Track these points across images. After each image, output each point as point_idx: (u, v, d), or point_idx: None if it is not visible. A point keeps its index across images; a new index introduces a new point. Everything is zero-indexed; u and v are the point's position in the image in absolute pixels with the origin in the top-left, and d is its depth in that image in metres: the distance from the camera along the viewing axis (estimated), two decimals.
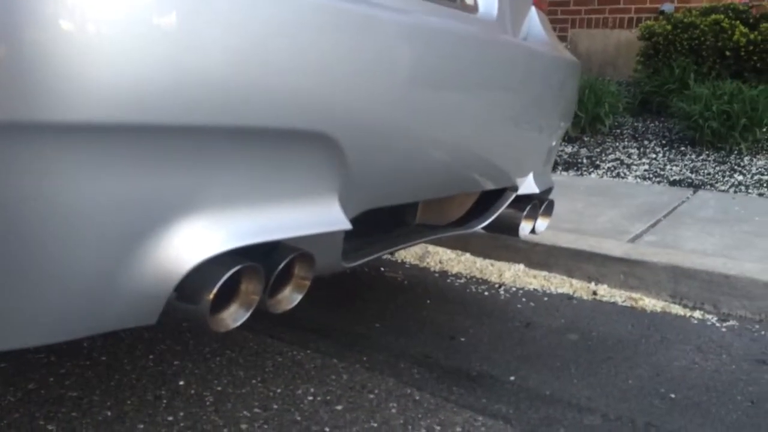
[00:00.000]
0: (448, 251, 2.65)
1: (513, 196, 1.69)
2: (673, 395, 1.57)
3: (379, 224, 1.56)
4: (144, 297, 0.87)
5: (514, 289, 2.31)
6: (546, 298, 2.22)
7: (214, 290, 0.90)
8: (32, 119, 0.74)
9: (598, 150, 4.22)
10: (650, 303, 2.19)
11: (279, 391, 1.48)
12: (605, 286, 2.32)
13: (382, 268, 2.46)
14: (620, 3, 6.00)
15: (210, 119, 0.86)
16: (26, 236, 0.78)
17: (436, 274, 2.45)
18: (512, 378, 1.62)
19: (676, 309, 2.16)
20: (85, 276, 0.83)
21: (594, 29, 6.13)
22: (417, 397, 1.49)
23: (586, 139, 4.42)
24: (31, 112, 0.74)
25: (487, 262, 2.55)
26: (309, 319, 1.87)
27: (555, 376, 1.65)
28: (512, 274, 2.42)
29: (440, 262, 2.56)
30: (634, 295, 2.25)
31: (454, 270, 2.49)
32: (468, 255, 2.62)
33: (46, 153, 0.77)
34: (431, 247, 2.65)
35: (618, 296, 2.25)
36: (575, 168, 3.90)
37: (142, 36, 0.77)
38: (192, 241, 0.89)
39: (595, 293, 2.26)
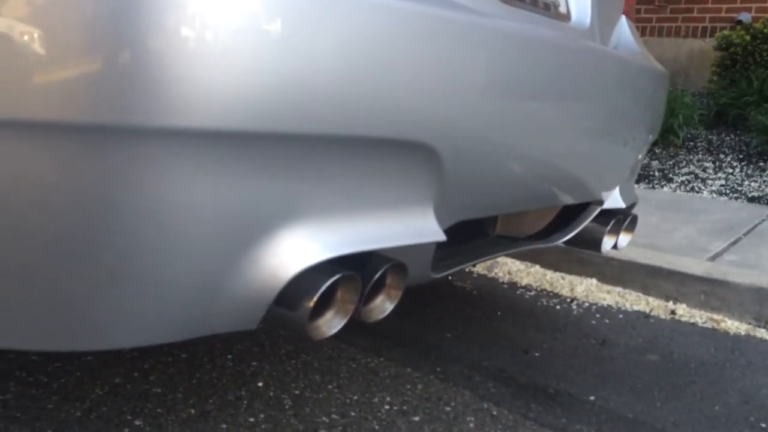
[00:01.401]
0: (517, 262, 2.61)
1: (598, 210, 1.64)
2: (763, 425, 1.50)
3: (460, 235, 1.54)
4: (248, 303, 0.88)
5: (586, 304, 2.25)
6: (621, 315, 2.16)
7: (315, 298, 0.90)
8: (148, 124, 0.75)
9: (670, 163, 4.09)
10: (733, 325, 2.10)
11: (355, 398, 1.48)
12: (684, 305, 2.23)
13: (451, 277, 2.44)
14: (694, 12, 5.83)
15: (316, 128, 0.86)
16: (139, 240, 0.80)
17: (505, 285, 2.41)
18: (592, 398, 1.57)
19: (762, 333, 2.07)
20: (194, 280, 0.84)
21: (665, 38, 5.96)
22: (494, 413, 1.47)
23: (657, 151, 4.29)
24: (148, 117, 0.75)
25: (558, 275, 2.50)
26: (380, 326, 1.86)
27: (637, 398, 1.59)
28: (584, 289, 2.36)
29: (509, 272, 2.52)
30: (716, 316, 2.16)
31: (524, 282, 2.45)
32: (538, 267, 2.57)
33: (158, 158, 0.78)
34: (500, 258, 2.61)
35: (698, 317, 2.16)
36: (646, 180, 3.79)
37: (255, 44, 0.78)
38: (295, 249, 0.89)
39: (673, 312, 2.19)
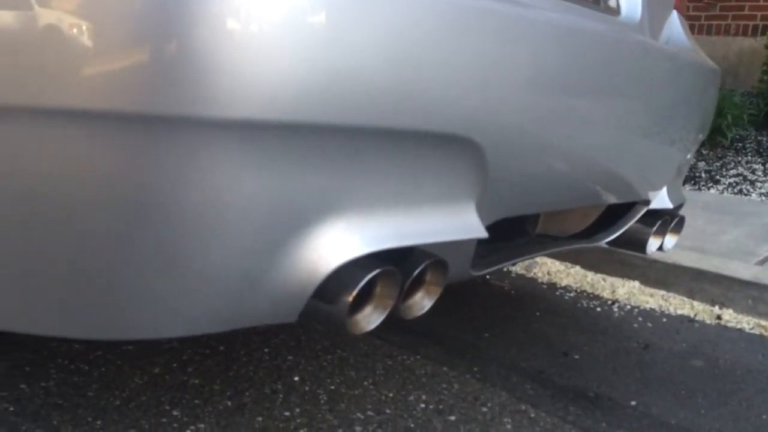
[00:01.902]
0: (557, 263, 2.56)
1: (644, 210, 1.60)
2: None
3: (500, 232, 1.51)
4: (288, 295, 0.88)
5: (628, 307, 2.19)
6: (664, 319, 2.10)
7: (354, 292, 0.89)
8: (191, 114, 0.75)
9: (717, 164, 3.98)
10: None
11: (391, 395, 1.47)
12: (730, 310, 2.16)
13: (488, 276, 2.41)
14: (745, 9, 5.65)
15: (360, 120, 0.85)
16: (181, 231, 0.80)
17: (544, 286, 2.37)
18: (633, 403, 1.53)
19: None
20: (235, 271, 0.83)
21: (714, 36, 5.79)
22: (532, 415, 1.44)
23: (705, 152, 4.18)
24: (191, 108, 0.75)
25: (599, 276, 2.45)
26: (417, 324, 1.84)
27: (680, 404, 1.54)
28: (626, 291, 2.31)
29: (548, 273, 2.47)
30: (764, 322, 2.08)
31: (563, 282, 2.40)
32: (578, 268, 2.52)
33: (200, 149, 0.78)
34: (539, 258, 2.57)
35: (745, 322, 2.09)
36: (692, 182, 3.69)
37: (298, 35, 0.77)
38: (335, 243, 0.88)
39: (719, 317, 2.12)
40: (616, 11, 1.39)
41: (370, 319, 0.96)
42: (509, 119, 1.02)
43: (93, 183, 0.77)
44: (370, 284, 0.94)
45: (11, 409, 1.28)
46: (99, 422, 1.26)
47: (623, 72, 1.26)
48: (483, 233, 1.06)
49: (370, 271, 0.90)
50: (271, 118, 0.78)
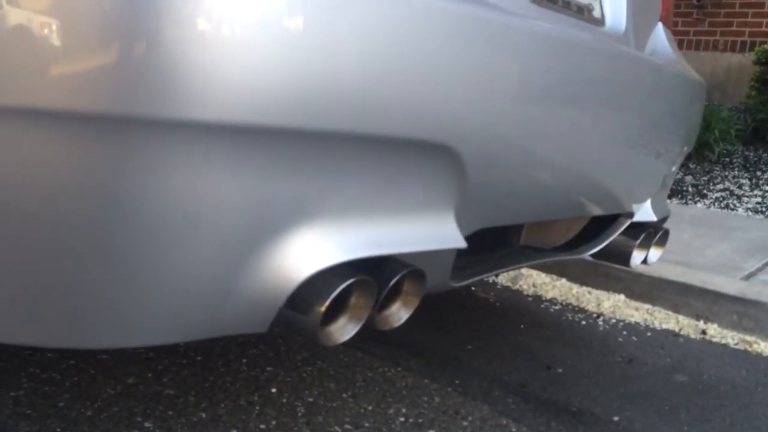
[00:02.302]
0: (543, 275, 2.54)
1: (628, 223, 1.58)
2: None
3: (482, 243, 1.50)
4: (257, 305, 0.85)
5: (613, 320, 2.18)
6: (649, 333, 2.08)
7: (327, 302, 0.86)
8: (158, 116, 0.73)
9: (705, 178, 3.99)
10: (766, 348, 2.01)
11: (370, 408, 1.44)
12: (715, 325, 2.15)
13: (473, 288, 2.39)
14: (733, 25, 5.70)
15: (333, 125, 0.83)
16: (147, 238, 0.77)
17: (530, 298, 2.35)
18: (616, 418, 1.51)
19: None
20: (203, 279, 0.81)
21: (702, 52, 5.83)
22: (513, 429, 1.42)
23: (692, 166, 4.19)
24: (159, 108, 0.73)
25: (585, 289, 2.43)
26: (399, 335, 1.82)
27: (663, 420, 1.52)
28: (611, 305, 2.29)
29: (534, 285, 2.46)
30: (749, 337, 2.07)
31: (549, 295, 2.39)
32: (564, 280, 2.50)
33: (168, 152, 0.75)
34: (524, 270, 2.55)
35: (730, 338, 2.08)
36: (680, 196, 3.70)
37: (273, 38, 0.75)
38: (308, 251, 0.86)
39: (704, 332, 2.10)
40: (601, 22, 1.38)
41: (344, 330, 0.94)
42: (489, 128, 1.00)
43: (58, 187, 0.75)
44: (345, 294, 0.92)
45: None
46: None
47: (607, 83, 1.25)
48: (462, 243, 1.04)
49: (345, 281, 0.88)
50: (243, 121, 0.75)
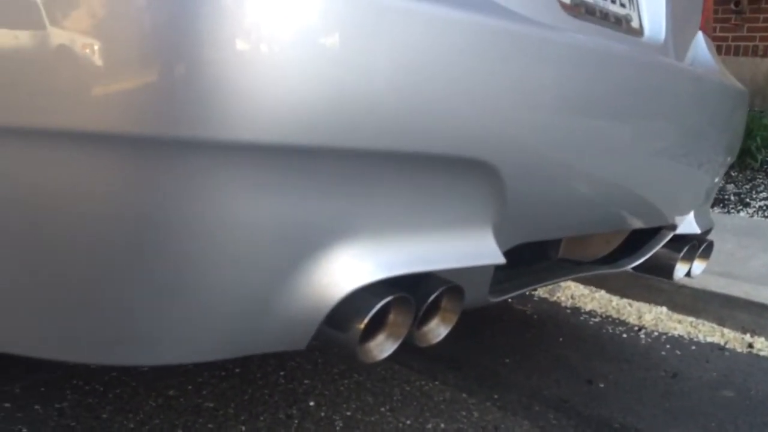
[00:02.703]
0: (581, 287, 2.51)
1: (671, 236, 1.55)
2: None
3: (520, 256, 1.48)
4: (297, 322, 0.86)
5: (656, 333, 2.13)
6: (693, 347, 2.03)
7: (366, 319, 0.86)
8: (200, 137, 0.74)
9: (747, 187, 3.88)
10: None
11: (408, 422, 1.43)
12: (763, 338, 2.09)
13: (510, 300, 2.36)
14: None
15: (372, 143, 0.83)
16: (190, 256, 0.79)
17: (568, 311, 2.32)
18: None
19: None
20: (244, 298, 0.82)
21: (742, 57, 5.70)
22: None
23: (734, 174, 4.08)
24: (200, 130, 0.74)
25: (625, 301, 2.39)
26: (436, 348, 1.80)
27: None
28: (653, 317, 2.24)
29: (572, 297, 2.42)
30: None
31: (588, 307, 2.35)
32: (603, 292, 2.46)
33: (210, 173, 0.77)
34: (563, 281, 2.52)
35: None
36: (722, 205, 3.61)
37: (309, 57, 0.76)
38: (347, 269, 0.86)
39: (751, 346, 2.04)
40: (640, 32, 1.36)
41: (383, 347, 0.94)
42: (527, 142, 1.00)
43: (102, 209, 0.77)
44: (383, 311, 0.91)
45: (24, 430, 1.27)
46: None
47: (648, 94, 1.23)
48: (500, 259, 1.03)
49: (383, 298, 0.88)
50: (282, 141, 0.76)
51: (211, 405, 1.42)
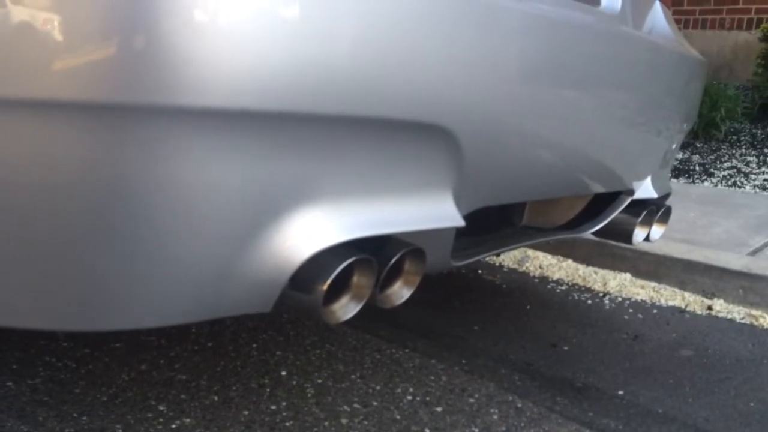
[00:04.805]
0: (549, 256, 2.56)
1: (628, 201, 1.60)
2: None
3: (484, 223, 1.52)
4: (261, 285, 0.88)
5: (619, 299, 2.19)
6: (655, 311, 2.10)
7: (329, 281, 0.89)
8: (159, 103, 0.75)
9: (712, 157, 3.98)
10: None
11: (378, 388, 1.47)
12: (721, 300, 2.16)
13: (480, 271, 2.41)
14: (739, 3, 5.65)
15: (331, 108, 0.85)
16: (151, 221, 0.80)
17: (536, 280, 2.37)
18: (621, 392, 1.53)
19: None
20: (207, 261, 0.84)
21: (709, 30, 5.79)
22: (519, 405, 1.44)
23: (699, 145, 4.18)
24: (159, 96, 0.75)
25: (591, 269, 2.45)
26: (407, 318, 1.85)
27: (668, 393, 1.54)
28: (618, 284, 2.31)
29: (540, 267, 2.48)
30: (754, 312, 2.08)
31: (555, 276, 2.41)
32: (570, 261, 2.52)
33: (170, 138, 0.78)
34: (531, 252, 2.57)
35: (736, 312, 2.09)
36: (686, 175, 3.69)
37: (267, 24, 0.78)
38: (309, 231, 0.89)
39: (710, 308, 2.12)
40: (596, 1, 1.39)
41: (347, 308, 0.96)
42: (484, 108, 1.02)
43: (63, 174, 0.78)
44: (347, 273, 0.94)
45: None
46: (85, 418, 1.27)
47: (605, 62, 1.26)
48: (460, 222, 1.06)
49: (346, 259, 0.90)
50: (242, 106, 0.78)
51: (184, 377, 1.44)
